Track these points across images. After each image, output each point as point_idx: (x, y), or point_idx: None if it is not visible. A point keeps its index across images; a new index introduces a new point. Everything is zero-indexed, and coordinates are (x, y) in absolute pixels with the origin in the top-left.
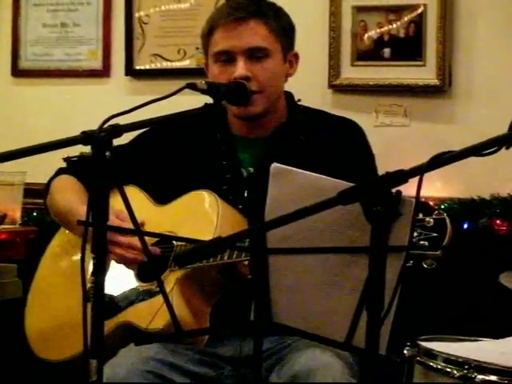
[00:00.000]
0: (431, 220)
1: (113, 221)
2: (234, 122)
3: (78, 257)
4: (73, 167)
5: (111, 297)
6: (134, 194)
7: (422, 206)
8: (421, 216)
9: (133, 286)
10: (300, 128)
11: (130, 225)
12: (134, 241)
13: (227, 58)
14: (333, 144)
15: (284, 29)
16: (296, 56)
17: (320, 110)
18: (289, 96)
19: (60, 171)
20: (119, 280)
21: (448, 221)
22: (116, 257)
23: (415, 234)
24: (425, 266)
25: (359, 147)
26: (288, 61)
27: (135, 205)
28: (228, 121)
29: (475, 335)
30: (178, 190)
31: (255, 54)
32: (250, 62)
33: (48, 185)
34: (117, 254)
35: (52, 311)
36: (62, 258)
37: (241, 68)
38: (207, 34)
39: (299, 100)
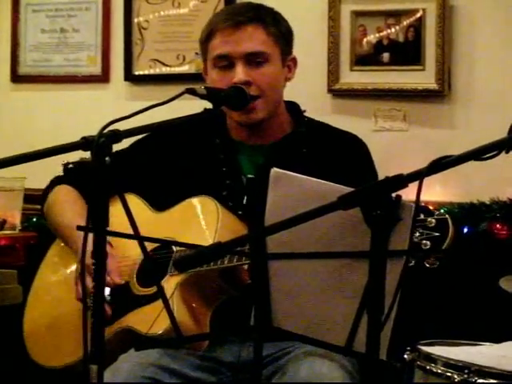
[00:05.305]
0: (433, 220)
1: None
2: (234, 127)
3: (75, 264)
4: (70, 175)
5: (110, 302)
6: (132, 200)
7: (422, 209)
8: (422, 217)
9: (133, 291)
10: (303, 140)
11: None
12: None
13: (226, 63)
14: (335, 158)
15: (282, 33)
16: (294, 60)
17: (324, 123)
18: (294, 106)
19: (57, 180)
20: (119, 286)
21: (450, 220)
22: None
23: (417, 234)
24: (427, 265)
25: (362, 163)
26: (287, 65)
27: (134, 212)
28: (227, 126)
29: (475, 339)
30: (177, 196)
31: (254, 59)
32: (249, 67)
33: (45, 195)
34: None
35: (51, 318)
36: (60, 266)
37: (240, 73)
38: (205, 40)
39: (305, 111)
